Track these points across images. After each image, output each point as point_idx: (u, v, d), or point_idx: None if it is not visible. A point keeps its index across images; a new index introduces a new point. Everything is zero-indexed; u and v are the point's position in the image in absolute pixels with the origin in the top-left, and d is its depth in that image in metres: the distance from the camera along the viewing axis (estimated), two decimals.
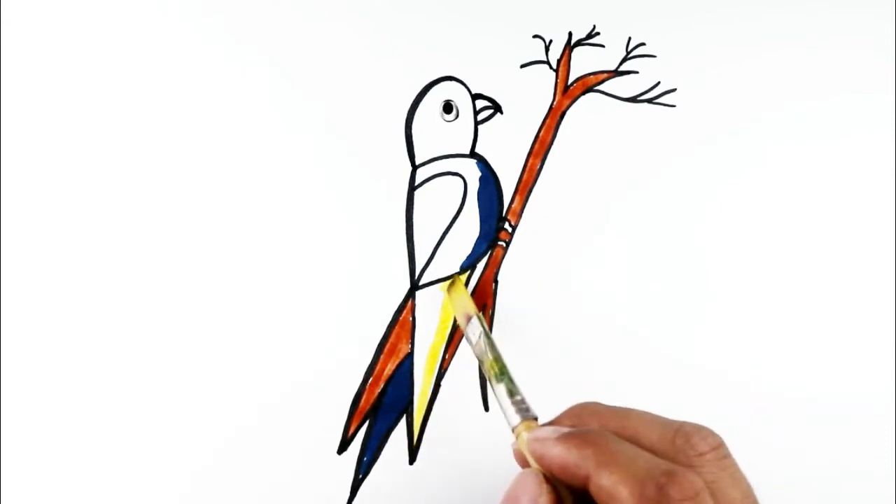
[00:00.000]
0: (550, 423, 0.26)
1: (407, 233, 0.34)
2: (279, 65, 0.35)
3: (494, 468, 0.33)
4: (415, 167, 0.35)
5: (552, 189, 0.35)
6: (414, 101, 0.35)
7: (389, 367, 0.33)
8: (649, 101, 0.36)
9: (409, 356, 0.33)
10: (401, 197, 0.34)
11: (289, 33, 0.35)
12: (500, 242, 0.35)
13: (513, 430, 0.26)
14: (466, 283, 0.35)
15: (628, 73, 0.36)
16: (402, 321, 0.33)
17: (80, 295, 0.31)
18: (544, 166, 0.35)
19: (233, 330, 0.32)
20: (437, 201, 0.35)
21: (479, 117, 0.35)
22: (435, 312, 0.34)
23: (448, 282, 0.33)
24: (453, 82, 0.35)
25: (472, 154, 0.35)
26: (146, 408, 0.31)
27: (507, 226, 0.35)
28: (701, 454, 0.23)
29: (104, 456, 0.30)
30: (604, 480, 0.21)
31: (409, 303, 0.34)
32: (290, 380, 0.32)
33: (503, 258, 0.35)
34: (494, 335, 0.34)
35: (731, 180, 0.37)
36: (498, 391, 0.27)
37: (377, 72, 0.35)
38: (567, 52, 0.36)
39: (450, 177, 0.35)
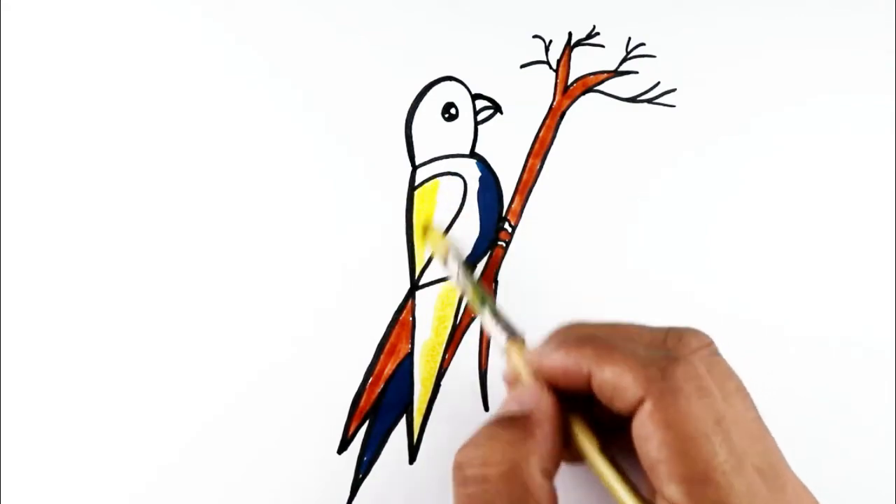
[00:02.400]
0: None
1: (407, 233, 0.34)
2: (279, 65, 0.35)
3: None
4: (415, 167, 0.35)
5: (552, 189, 0.35)
6: (414, 101, 0.35)
7: (389, 367, 0.33)
8: (649, 101, 0.36)
9: (409, 356, 0.33)
10: (401, 197, 0.34)
11: (289, 33, 0.35)
12: (499, 242, 0.35)
13: (503, 352, 0.27)
14: None
15: (628, 73, 0.36)
16: (402, 321, 0.33)
17: (80, 295, 0.31)
18: (544, 166, 0.35)
19: (233, 330, 0.32)
20: (437, 201, 0.35)
21: (479, 117, 0.35)
22: (434, 312, 0.34)
23: (424, 226, 0.33)
24: (453, 82, 0.35)
25: (472, 154, 0.35)
26: (145, 407, 0.31)
27: (506, 226, 0.35)
28: (693, 351, 0.23)
29: (101, 455, 0.30)
30: (606, 373, 0.21)
31: (409, 303, 0.34)
32: (290, 380, 0.32)
33: (503, 258, 0.35)
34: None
35: (732, 180, 0.37)
36: (484, 318, 0.28)
37: (377, 72, 0.35)
38: (567, 52, 0.36)
39: (450, 177, 0.35)
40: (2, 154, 0.32)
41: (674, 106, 0.36)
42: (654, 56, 0.37)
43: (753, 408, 0.23)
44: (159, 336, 0.32)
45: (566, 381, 0.23)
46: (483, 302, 0.29)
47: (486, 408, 0.34)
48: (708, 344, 0.24)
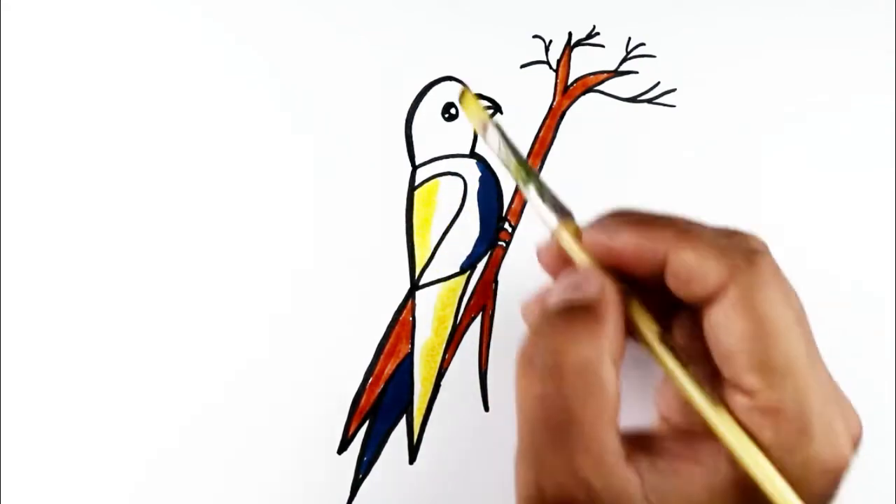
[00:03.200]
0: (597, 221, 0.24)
1: (407, 233, 0.34)
2: (279, 65, 0.35)
3: (495, 467, 0.33)
4: (415, 167, 0.35)
5: (552, 189, 0.35)
6: (414, 101, 0.35)
7: (389, 367, 0.33)
8: (649, 101, 0.36)
9: (409, 356, 0.33)
10: (401, 197, 0.34)
11: (288, 33, 0.35)
12: (500, 243, 0.35)
13: (552, 232, 0.25)
14: (466, 284, 0.35)
15: (628, 73, 0.36)
16: (402, 321, 0.33)
17: (81, 295, 0.32)
18: (544, 166, 0.35)
19: (233, 329, 0.32)
20: (437, 201, 0.35)
21: None
22: (434, 312, 0.34)
23: (461, 91, 0.31)
24: (453, 82, 0.35)
25: (472, 154, 0.35)
26: (143, 406, 0.31)
27: (507, 226, 0.35)
28: (758, 247, 0.22)
29: (100, 454, 0.30)
30: (688, 256, 0.20)
31: (409, 303, 0.34)
32: (290, 380, 0.32)
33: (503, 258, 0.35)
34: (495, 335, 0.34)
35: (732, 180, 0.37)
36: (529, 195, 0.26)
37: (377, 72, 0.35)
38: (567, 52, 0.36)
39: (450, 177, 0.35)
40: (1, 154, 0.32)
41: (674, 106, 0.36)
42: (654, 56, 0.37)
43: (803, 308, 0.23)
44: (158, 335, 0.32)
45: (637, 263, 0.21)
46: (528, 178, 0.26)
47: (487, 408, 0.34)
48: (768, 249, 0.23)
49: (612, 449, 0.20)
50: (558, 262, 0.25)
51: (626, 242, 0.22)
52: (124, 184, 0.33)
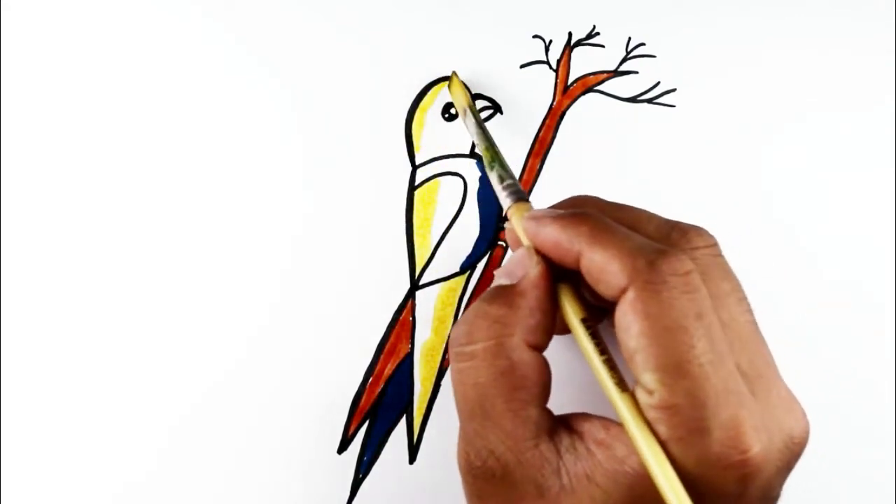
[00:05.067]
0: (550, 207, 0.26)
1: (407, 233, 0.34)
2: (278, 65, 0.35)
3: None
4: (415, 167, 0.35)
5: (552, 189, 0.35)
6: (414, 101, 0.35)
7: (389, 367, 0.33)
8: (649, 101, 0.36)
9: (409, 356, 0.33)
10: (401, 197, 0.34)
11: (289, 33, 0.35)
12: (500, 242, 0.35)
13: (505, 214, 0.27)
14: (466, 283, 0.35)
15: (628, 73, 0.36)
16: (402, 321, 0.33)
17: (81, 291, 0.32)
18: (544, 166, 0.35)
19: (232, 329, 0.32)
20: (437, 201, 0.35)
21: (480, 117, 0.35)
22: (434, 312, 0.34)
23: (451, 75, 0.34)
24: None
25: (473, 154, 0.35)
26: (143, 407, 0.31)
27: (507, 226, 0.35)
28: (695, 248, 0.23)
29: (99, 453, 0.30)
30: (596, 255, 0.21)
31: (409, 303, 0.34)
32: (290, 379, 0.32)
33: (503, 258, 0.35)
34: None
35: (731, 180, 0.37)
36: (491, 178, 0.28)
37: (377, 72, 0.35)
38: (567, 52, 0.36)
39: (450, 177, 0.35)
40: (1, 154, 0.32)
41: (674, 106, 0.37)
42: (654, 56, 0.37)
43: (748, 311, 0.23)
44: (158, 336, 0.32)
45: (558, 256, 0.23)
46: (493, 161, 0.28)
47: None
48: (712, 244, 0.23)
49: (527, 425, 0.21)
50: (517, 244, 0.26)
51: (547, 237, 0.23)
52: (124, 185, 0.33)
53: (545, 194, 0.35)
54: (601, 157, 0.36)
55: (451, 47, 0.36)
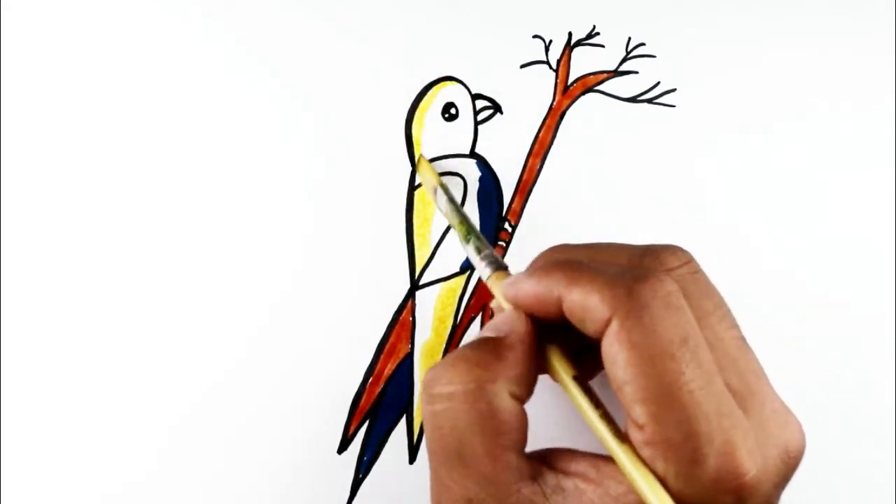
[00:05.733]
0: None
1: (407, 233, 0.34)
2: (278, 65, 0.35)
3: None
4: (415, 167, 0.35)
5: (552, 189, 0.35)
6: (414, 101, 0.35)
7: (389, 367, 0.33)
8: (649, 101, 0.36)
9: (409, 356, 0.33)
10: (401, 197, 0.34)
11: (289, 33, 0.35)
12: (499, 243, 0.35)
13: (486, 283, 0.27)
14: (466, 283, 0.35)
15: (628, 73, 0.36)
16: (402, 321, 0.34)
17: (81, 293, 0.32)
18: (544, 166, 0.35)
19: (233, 329, 0.32)
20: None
21: (479, 117, 0.35)
22: (434, 312, 0.34)
23: (418, 158, 0.34)
24: (453, 82, 0.35)
25: (472, 154, 0.35)
26: (143, 406, 0.31)
27: (506, 226, 0.35)
28: (670, 269, 0.22)
29: (99, 453, 0.30)
30: (575, 295, 0.21)
31: (409, 303, 0.34)
32: (290, 379, 0.32)
33: (503, 258, 0.35)
34: None
35: (731, 180, 0.37)
36: (468, 251, 0.29)
37: (377, 72, 0.35)
38: (567, 52, 0.36)
39: (450, 177, 0.35)
40: (1, 154, 0.32)
41: (674, 106, 0.37)
42: (654, 56, 0.37)
43: (734, 326, 0.23)
44: (157, 335, 0.32)
45: (540, 308, 0.23)
46: (469, 235, 0.29)
47: None
48: (687, 261, 0.23)
49: (509, 470, 0.20)
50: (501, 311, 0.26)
51: (527, 291, 0.23)
52: (122, 184, 0.33)
53: (545, 194, 0.35)
54: (601, 157, 0.36)
55: (451, 47, 0.36)
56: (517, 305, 0.24)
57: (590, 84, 0.36)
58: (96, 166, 0.33)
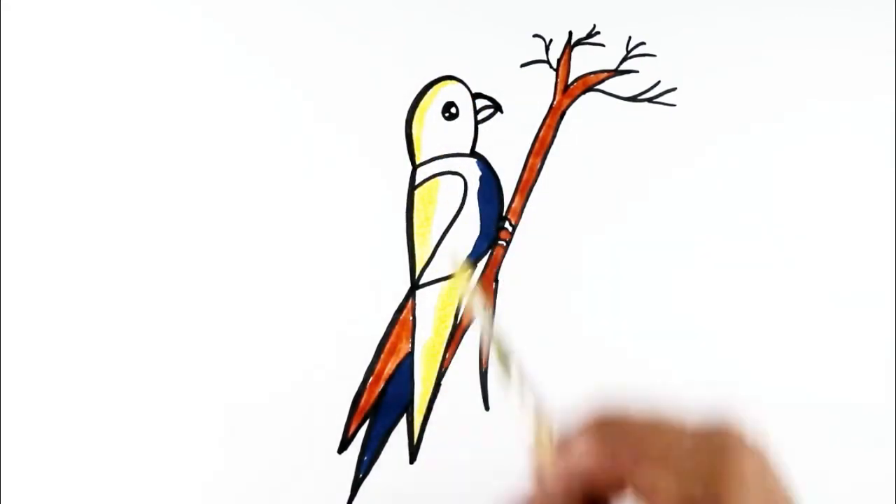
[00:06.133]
0: (571, 435, 0.25)
1: (407, 232, 0.34)
2: (279, 65, 0.35)
3: (494, 467, 0.33)
4: (415, 166, 0.35)
5: (552, 188, 0.35)
6: (414, 101, 0.35)
7: (390, 367, 0.33)
8: (649, 100, 0.36)
9: (410, 355, 0.33)
10: (401, 196, 0.34)
11: (289, 34, 0.35)
12: (500, 241, 0.35)
13: (535, 431, 0.24)
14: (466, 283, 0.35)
15: (628, 72, 0.36)
16: (403, 320, 0.33)
17: (81, 292, 0.31)
18: (545, 165, 0.35)
19: (233, 329, 0.32)
20: (437, 200, 0.35)
21: (480, 116, 0.35)
22: (435, 312, 0.34)
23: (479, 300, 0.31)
24: (454, 82, 0.35)
25: (473, 153, 0.35)
26: (144, 407, 0.31)
27: (507, 225, 0.35)
28: (738, 450, 0.22)
29: (99, 452, 0.30)
30: (644, 485, 0.21)
31: (410, 302, 0.34)
32: (291, 379, 0.32)
33: (503, 257, 0.35)
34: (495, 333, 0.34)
35: (731, 178, 0.37)
36: (514, 398, 0.25)
37: (378, 72, 0.35)
38: (567, 51, 0.36)
39: (450, 176, 0.35)
40: (1, 154, 0.32)
41: (674, 105, 0.37)
42: (654, 55, 0.37)
43: (787, 487, 0.23)
44: (158, 336, 0.32)
45: (597, 481, 0.22)
46: (522, 387, 0.26)
47: (487, 407, 0.34)
48: (747, 435, 0.23)
49: None
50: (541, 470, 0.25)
51: (586, 466, 0.22)
52: (124, 184, 0.33)
53: (546, 193, 0.35)
54: (602, 156, 0.36)
55: (451, 47, 0.36)
56: (574, 476, 0.23)
57: (590, 83, 0.36)
58: (96, 165, 0.33)
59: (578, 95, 0.36)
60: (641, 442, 0.21)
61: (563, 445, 0.23)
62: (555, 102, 0.36)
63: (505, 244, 0.34)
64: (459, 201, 0.34)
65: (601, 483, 0.22)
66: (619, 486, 0.21)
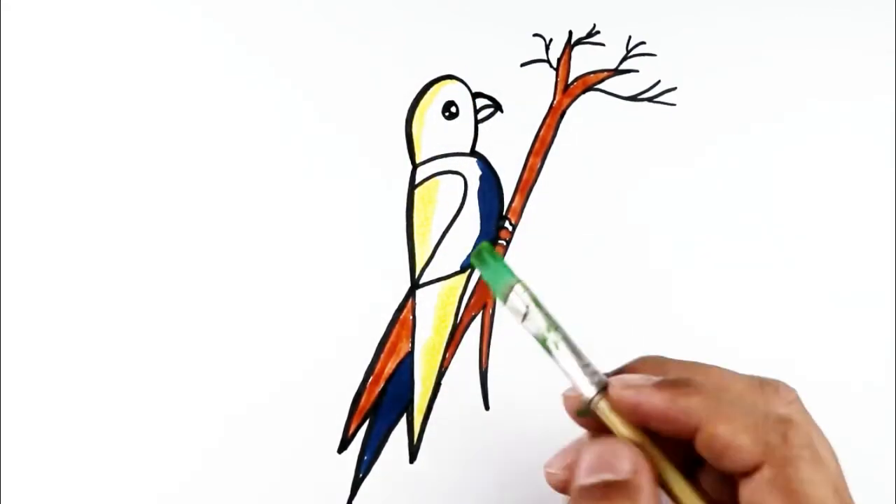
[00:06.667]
0: (622, 370, 0.24)
1: (407, 232, 0.34)
2: (279, 65, 0.35)
3: (495, 467, 0.33)
4: (415, 165, 0.35)
5: (553, 188, 0.35)
6: (414, 101, 0.35)
7: (390, 366, 0.33)
8: (649, 99, 0.36)
9: (410, 355, 0.33)
10: (401, 196, 0.34)
11: (289, 33, 0.35)
12: (500, 241, 0.35)
13: (585, 401, 0.23)
14: (466, 282, 0.35)
15: (628, 71, 0.36)
16: (403, 320, 0.33)
17: (80, 291, 0.31)
18: (545, 165, 0.35)
19: (233, 329, 0.32)
20: (437, 200, 0.35)
21: (480, 116, 0.35)
22: (435, 312, 0.34)
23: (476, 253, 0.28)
24: (454, 81, 0.35)
25: (473, 153, 0.35)
26: (143, 407, 0.31)
27: (507, 224, 0.35)
28: (790, 402, 0.22)
29: (100, 452, 0.30)
30: (721, 430, 0.20)
31: (410, 302, 0.34)
32: (291, 379, 0.32)
33: (503, 257, 0.35)
34: (495, 334, 0.34)
35: (731, 179, 0.37)
36: (564, 363, 0.24)
37: (378, 71, 0.35)
38: (567, 50, 0.36)
39: (450, 175, 0.35)
40: (1, 154, 0.32)
41: (674, 104, 0.37)
42: (654, 55, 0.37)
43: (835, 457, 0.23)
44: (158, 337, 0.32)
45: (665, 427, 0.21)
46: (574, 351, 0.24)
47: (487, 407, 0.34)
48: (797, 398, 0.23)
49: None
50: (593, 427, 0.24)
51: (657, 406, 0.21)
52: (124, 184, 0.33)
53: (546, 193, 0.35)
54: (602, 156, 0.36)
55: (451, 47, 0.36)
56: (633, 415, 0.22)
57: (590, 83, 0.36)
58: (94, 162, 0.33)
59: (578, 95, 0.36)
60: (711, 389, 0.21)
61: (634, 385, 0.22)
62: (555, 102, 0.36)
63: (505, 244, 0.34)
64: (459, 201, 0.34)
65: (668, 430, 0.21)
66: (689, 435, 0.21)
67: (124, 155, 0.33)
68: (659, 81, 0.37)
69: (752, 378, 0.23)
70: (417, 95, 0.35)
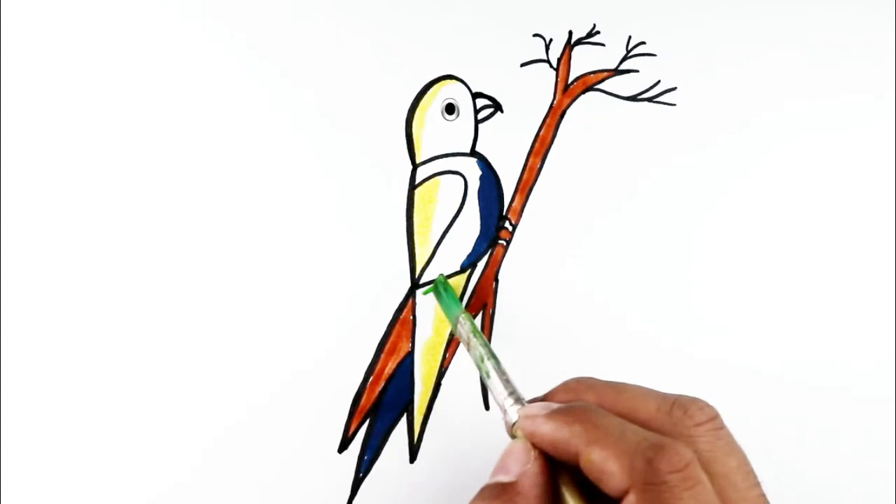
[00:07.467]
0: (544, 398, 0.25)
1: (407, 232, 0.34)
2: (279, 64, 0.35)
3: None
4: (415, 165, 0.35)
5: (553, 188, 0.35)
6: (414, 100, 0.35)
7: (390, 366, 0.33)
8: (649, 99, 0.36)
9: (410, 355, 0.33)
10: (401, 196, 0.34)
11: (289, 33, 0.35)
12: (500, 241, 0.35)
13: (506, 415, 0.26)
14: (467, 282, 0.35)
15: (628, 71, 0.36)
16: (403, 320, 0.33)
17: (80, 291, 0.31)
18: (545, 165, 0.35)
19: (233, 329, 0.32)
20: (437, 200, 0.35)
21: (480, 116, 0.35)
22: (435, 311, 0.34)
23: (431, 287, 0.33)
24: (454, 81, 0.35)
25: (473, 153, 0.35)
26: (143, 406, 0.31)
27: (507, 224, 0.35)
28: (698, 424, 0.23)
29: (100, 452, 0.30)
30: (594, 456, 0.21)
31: (410, 302, 0.34)
32: (291, 378, 0.32)
33: (503, 257, 0.35)
34: (495, 334, 0.34)
35: (732, 179, 0.37)
36: (489, 380, 0.27)
37: (378, 71, 0.35)
38: (567, 50, 0.36)
39: (450, 175, 0.35)
40: (1, 154, 0.32)
41: (674, 105, 0.37)
42: (654, 55, 0.37)
43: (756, 485, 0.23)
44: (158, 337, 0.32)
45: (556, 452, 0.23)
46: (502, 379, 0.27)
47: (487, 407, 0.34)
48: (713, 417, 0.23)
49: None
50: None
51: (545, 434, 0.23)
52: (125, 184, 0.33)
53: (546, 193, 0.35)
54: (602, 156, 0.36)
55: (451, 47, 0.36)
56: (532, 441, 0.23)
57: (590, 83, 0.36)
58: (95, 161, 0.33)
59: (579, 95, 0.36)
60: (595, 416, 0.22)
61: (530, 415, 0.24)
62: (555, 102, 0.36)
63: (505, 244, 0.34)
64: (460, 201, 0.34)
65: (558, 455, 0.22)
66: (574, 460, 0.22)
67: (124, 155, 0.33)
68: (659, 81, 0.37)
69: (665, 398, 0.23)
70: (417, 95, 0.35)
